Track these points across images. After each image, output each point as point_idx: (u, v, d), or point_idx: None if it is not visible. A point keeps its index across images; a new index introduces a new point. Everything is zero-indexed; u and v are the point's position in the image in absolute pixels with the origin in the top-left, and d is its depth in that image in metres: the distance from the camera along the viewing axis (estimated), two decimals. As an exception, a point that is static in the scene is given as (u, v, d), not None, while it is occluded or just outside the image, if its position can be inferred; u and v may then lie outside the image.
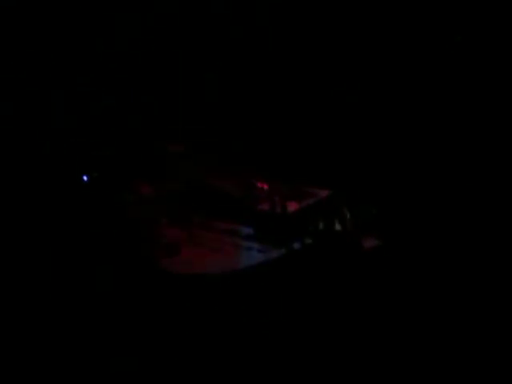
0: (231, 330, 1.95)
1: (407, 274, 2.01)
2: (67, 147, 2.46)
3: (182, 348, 1.94)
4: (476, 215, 2.12)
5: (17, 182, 2.47)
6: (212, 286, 1.97)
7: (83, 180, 2.37)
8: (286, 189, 2.05)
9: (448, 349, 1.92)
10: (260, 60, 2.41)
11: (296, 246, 1.93)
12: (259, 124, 2.52)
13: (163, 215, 2.07)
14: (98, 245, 2.21)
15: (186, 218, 2.07)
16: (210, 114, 2.56)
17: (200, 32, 2.60)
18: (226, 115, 2.59)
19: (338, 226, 1.98)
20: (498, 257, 2.08)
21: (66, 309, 2.08)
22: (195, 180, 2.19)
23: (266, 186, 2.09)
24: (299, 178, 2.12)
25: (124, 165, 2.50)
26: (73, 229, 2.28)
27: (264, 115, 2.56)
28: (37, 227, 2.38)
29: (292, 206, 2.00)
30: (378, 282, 1.99)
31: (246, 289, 1.99)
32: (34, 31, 2.60)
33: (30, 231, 2.37)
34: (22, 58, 2.59)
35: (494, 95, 2.23)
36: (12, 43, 2.58)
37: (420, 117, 2.28)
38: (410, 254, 1.99)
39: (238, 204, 2.05)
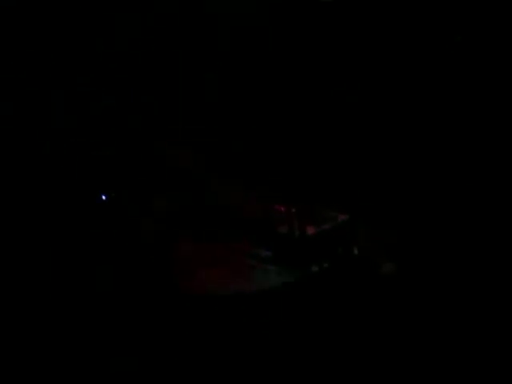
0: (246, 351, 1.95)
1: (423, 300, 2.02)
2: (68, 148, 2.45)
3: (197, 369, 1.94)
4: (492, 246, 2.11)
5: (17, 182, 2.47)
6: (228, 307, 1.97)
7: (102, 199, 2.39)
8: (304, 212, 2.07)
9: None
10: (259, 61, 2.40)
11: (314, 269, 1.94)
12: (277, 143, 2.54)
13: (179, 234, 2.09)
14: (111, 261, 2.21)
15: (204, 238, 2.08)
16: (211, 117, 2.57)
17: (199, 32, 2.60)
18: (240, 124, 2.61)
19: (355, 251, 2.00)
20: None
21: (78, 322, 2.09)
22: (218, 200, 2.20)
23: (284, 209, 2.10)
24: (318, 202, 2.14)
25: (139, 180, 2.50)
26: (83, 245, 2.29)
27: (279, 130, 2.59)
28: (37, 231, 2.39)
29: (310, 230, 2.01)
30: (393, 307, 2.00)
31: (261, 311, 1.99)
32: (34, 31, 2.59)
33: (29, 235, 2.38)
34: (22, 58, 2.58)
35: (494, 94, 2.20)
36: (12, 43, 2.57)
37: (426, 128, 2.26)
38: (427, 281, 2.00)
39: (257, 226, 2.07)
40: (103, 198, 2.38)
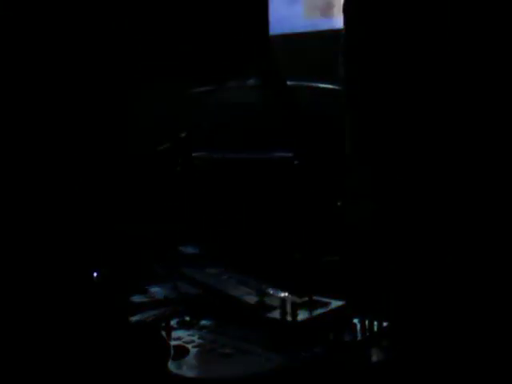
0: None
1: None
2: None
3: None
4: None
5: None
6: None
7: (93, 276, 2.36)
8: (297, 297, 2.05)
9: None
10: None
11: (305, 355, 1.90)
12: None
13: (171, 316, 2.06)
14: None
15: (195, 322, 2.07)
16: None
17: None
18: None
19: (347, 337, 1.97)
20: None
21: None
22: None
23: (278, 294, 2.09)
24: (311, 288, 2.12)
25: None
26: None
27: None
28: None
29: (303, 315, 1.98)
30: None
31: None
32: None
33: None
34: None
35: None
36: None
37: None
38: (419, 369, 1.96)
39: (249, 310, 2.04)
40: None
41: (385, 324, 1.86)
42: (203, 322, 1.97)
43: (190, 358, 1.83)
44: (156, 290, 2.16)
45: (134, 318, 1.99)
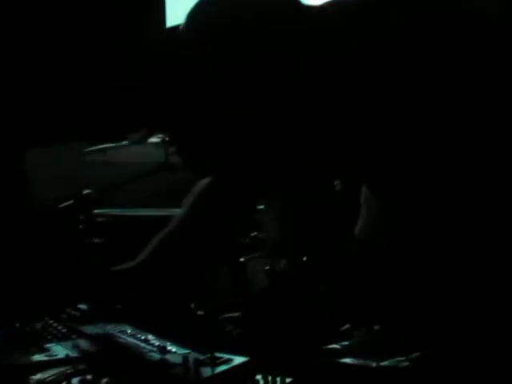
0: None
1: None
2: None
3: None
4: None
5: None
6: None
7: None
8: (199, 354, 2.04)
9: None
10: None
11: None
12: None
13: (72, 375, 2.03)
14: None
15: (98, 380, 2.04)
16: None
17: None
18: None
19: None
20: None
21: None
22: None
23: (179, 351, 2.08)
24: (213, 345, 2.11)
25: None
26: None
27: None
28: None
29: (205, 372, 1.98)
30: None
31: None
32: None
33: None
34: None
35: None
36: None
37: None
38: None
39: (150, 368, 2.03)
40: None
41: (288, 380, 1.87)
42: (105, 381, 1.95)
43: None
44: (56, 348, 2.12)
45: (34, 378, 1.95)
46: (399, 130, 1.95)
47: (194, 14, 2.08)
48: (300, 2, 2.09)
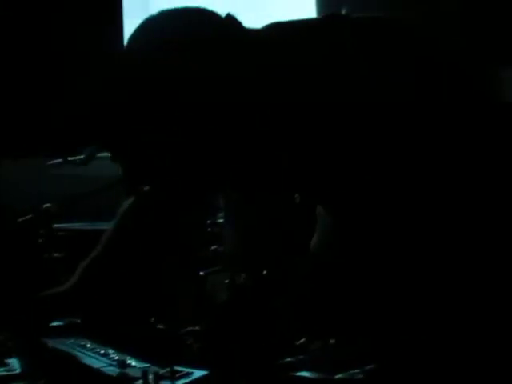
0: None
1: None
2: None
3: None
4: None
5: None
6: None
7: None
8: (159, 368, 2.05)
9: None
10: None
11: None
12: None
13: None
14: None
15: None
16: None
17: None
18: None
19: None
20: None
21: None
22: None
23: (139, 365, 2.09)
24: (173, 358, 2.12)
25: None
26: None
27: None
28: None
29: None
30: None
31: None
32: None
33: None
34: None
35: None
36: None
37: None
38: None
39: (110, 382, 2.04)
40: None
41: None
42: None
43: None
44: (15, 363, 2.12)
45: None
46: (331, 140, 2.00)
47: (129, 38, 2.16)
48: (234, 26, 2.14)
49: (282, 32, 2.14)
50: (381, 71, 1.98)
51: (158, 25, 2.13)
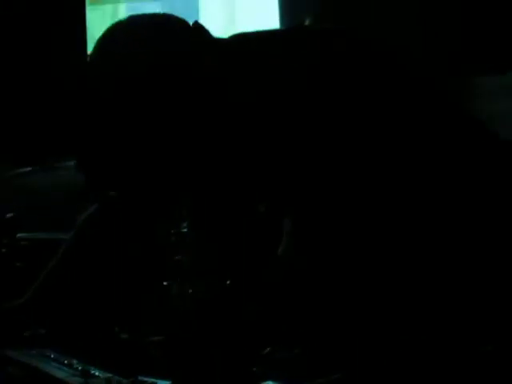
0: None
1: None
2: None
3: None
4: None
5: None
6: None
7: None
8: (122, 378, 2.05)
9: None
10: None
11: None
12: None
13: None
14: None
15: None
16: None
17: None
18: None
19: None
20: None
21: None
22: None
23: (102, 375, 2.08)
24: (136, 368, 2.12)
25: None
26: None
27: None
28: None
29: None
30: None
31: None
32: None
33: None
34: None
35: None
36: None
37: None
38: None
39: None
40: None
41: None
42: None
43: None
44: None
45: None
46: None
47: (95, 45, 2.18)
48: (201, 34, 2.16)
49: (247, 43, 2.16)
50: (341, 81, 2.01)
51: (124, 32, 2.15)
